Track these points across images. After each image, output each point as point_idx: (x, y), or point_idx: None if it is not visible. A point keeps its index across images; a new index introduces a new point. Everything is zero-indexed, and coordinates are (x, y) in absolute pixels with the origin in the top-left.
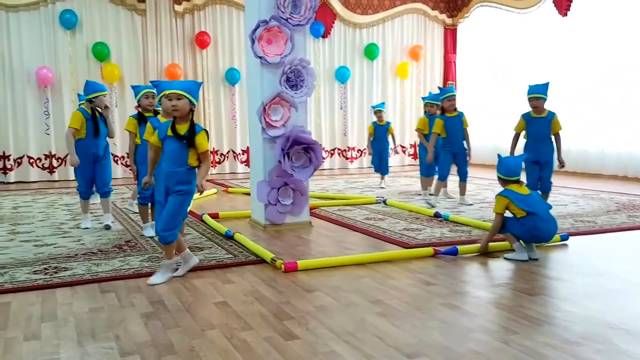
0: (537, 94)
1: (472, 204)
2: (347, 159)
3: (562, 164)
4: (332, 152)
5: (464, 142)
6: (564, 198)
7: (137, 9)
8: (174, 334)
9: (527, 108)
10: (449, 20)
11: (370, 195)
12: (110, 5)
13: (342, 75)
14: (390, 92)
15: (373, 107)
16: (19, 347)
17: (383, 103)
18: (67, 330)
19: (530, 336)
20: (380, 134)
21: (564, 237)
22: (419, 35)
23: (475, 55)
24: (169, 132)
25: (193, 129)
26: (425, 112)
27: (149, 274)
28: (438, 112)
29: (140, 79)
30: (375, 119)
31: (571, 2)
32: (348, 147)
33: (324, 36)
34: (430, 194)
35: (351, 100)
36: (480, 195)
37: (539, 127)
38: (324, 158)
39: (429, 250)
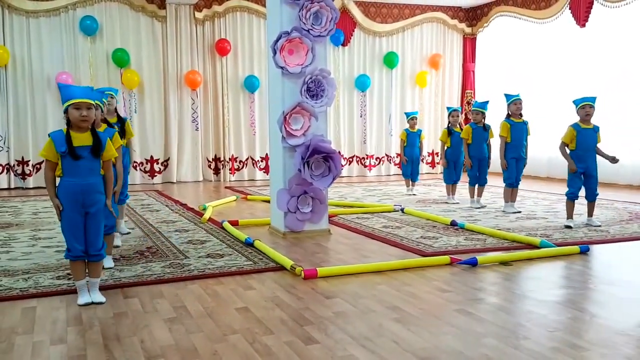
0: (590, 102)
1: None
2: (365, 166)
3: (614, 159)
4: (351, 159)
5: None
6: (579, 207)
7: (157, 16)
8: (197, 339)
9: (541, 117)
10: (468, 30)
11: (389, 203)
12: (131, 11)
13: (362, 83)
14: (409, 100)
15: (406, 114)
16: (46, 350)
17: (416, 111)
18: (92, 335)
19: (539, 342)
20: (412, 141)
21: (584, 249)
22: (438, 44)
23: (494, 65)
24: (84, 143)
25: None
26: (448, 123)
27: (172, 280)
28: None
29: (160, 86)
30: (407, 125)
31: (589, 13)
32: (367, 155)
33: (343, 44)
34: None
35: (370, 108)
36: (494, 204)
37: (588, 137)
38: (342, 166)
39: (446, 258)
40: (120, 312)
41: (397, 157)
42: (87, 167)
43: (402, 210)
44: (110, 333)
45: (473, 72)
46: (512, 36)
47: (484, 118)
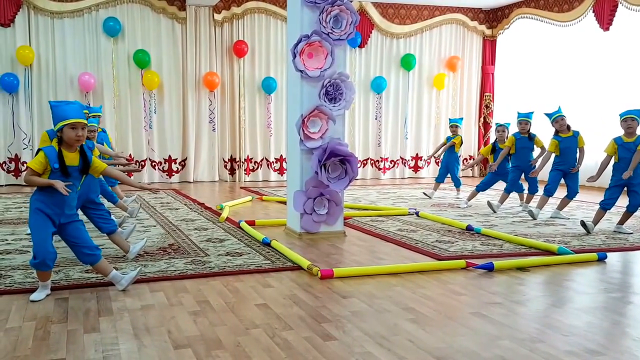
0: (632, 115)
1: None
2: (379, 169)
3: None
4: (365, 162)
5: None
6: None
7: (177, 18)
8: (221, 331)
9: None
10: (488, 32)
11: (403, 206)
12: (152, 13)
13: (378, 85)
14: (426, 103)
15: (450, 120)
16: (80, 338)
17: (459, 119)
18: (123, 324)
19: (554, 345)
20: (450, 146)
21: (602, 257)
22: (457, 46)
23: (514, 67)
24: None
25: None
26: (495, 139)
27: (194, 276)
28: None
29: (179, 87)
30: (450, 133)
31: (614, 16)
32: (381, 158)
33: (360, 46)
34: (530, 207)
35: (385, 111)
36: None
37: (630, 151)
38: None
39: (461, 262)
40: (148, 305)
41: (425, 162)
42: (72, 183)
43: (416, 213)
44: (140, 323)
45: (492, 74)
46: (533, 39)
47: (530, 127)
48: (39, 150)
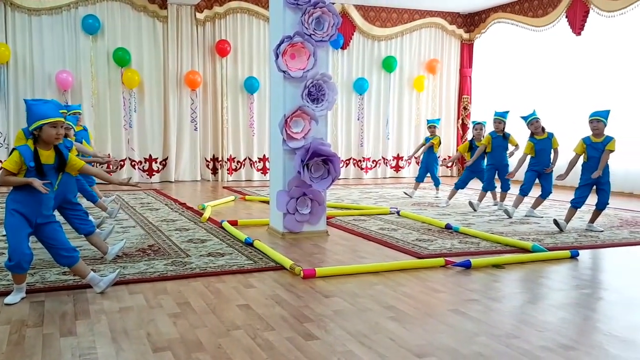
0: (597, 117)
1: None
2: (362, 169)
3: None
4: (347, 162)
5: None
6: (579, 213)
7: (158, 16)
8: (201, 333)
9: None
10: (465, 35)
11: (385, 205)
12: (133, 11)
13: (360, 86)
14: (407, 104)
15: (428, 121)
16: (57, 342)
17: (436, 120)
18: (100, 328)
19: (529, 341)
20: (429, 148)
21: (575, 254)
22: (436, 49)
23: (490, 70)
24: (50, 161)
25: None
26: (473, 136)
27: (175, 277)
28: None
29: (160, 85)
30: (428, 133)
31: (585, 21)
32: (363, 158)
33: (343, 47)
34: (505, 205)
35: (367, 112)
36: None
37: (597, 151)
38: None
39: (440, 260)
40: (126, 307)
41: (406, 162)
42: (49, 182)
43: (397, 212)
44: (118, 326)
45: (470, 77)
46: (509, 43)
47: (504, 126)
48: (13, 149)
